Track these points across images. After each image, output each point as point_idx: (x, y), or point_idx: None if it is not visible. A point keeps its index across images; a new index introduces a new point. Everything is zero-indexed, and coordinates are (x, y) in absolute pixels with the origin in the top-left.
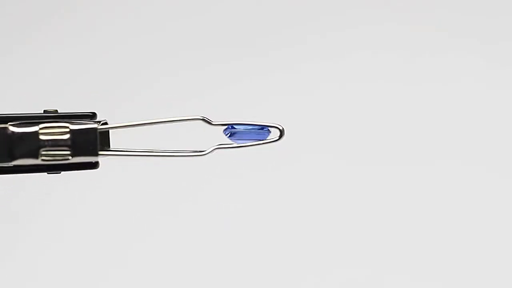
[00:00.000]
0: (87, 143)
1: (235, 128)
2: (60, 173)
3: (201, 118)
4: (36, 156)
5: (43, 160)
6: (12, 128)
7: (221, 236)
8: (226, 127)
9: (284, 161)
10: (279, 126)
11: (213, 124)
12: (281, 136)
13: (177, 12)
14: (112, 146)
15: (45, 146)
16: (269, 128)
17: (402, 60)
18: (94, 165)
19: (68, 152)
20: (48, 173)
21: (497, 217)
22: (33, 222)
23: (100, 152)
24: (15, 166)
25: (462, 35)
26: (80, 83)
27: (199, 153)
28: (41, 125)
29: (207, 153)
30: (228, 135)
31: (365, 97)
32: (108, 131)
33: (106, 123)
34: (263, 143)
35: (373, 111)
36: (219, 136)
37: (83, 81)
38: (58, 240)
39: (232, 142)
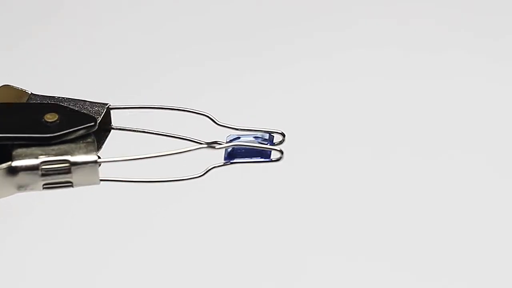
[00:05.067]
0: (88, 174)
1: (235, 149)
2: None
3: (207, 115)
4: (38, 189)
5: (44, 188)
6: (15, 164)
7: (220, 236)
8: (227, 146)
9: (283, 160)
10: (278, 149)
11: (218, 124)
12: (280, 158)
13: (172, 12)
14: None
15: (46, 179)
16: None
17: (401, 57)
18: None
19: (70, 183)
20: None
21: (499, 215)
22: (26, 220)
23: (101, 179)
24: None
25: (461, 31)
26: (78, 83)
27: (194, 176)
28: (42, 159)
29: (202, 175)
30: (228, 155)
31: (364, 94)
32: (110, 111)
33: (109, 107)
34: (259, 162)
35: (372, 109)
36: (220, 138)
37: (81, 81)
38: (52, 240)
39: (227, 161)
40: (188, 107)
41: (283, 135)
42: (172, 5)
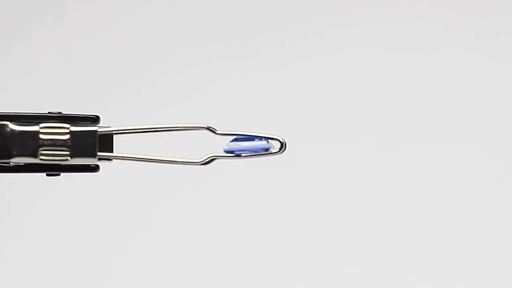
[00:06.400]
0: (87, 145)
1: (236, 143)
2: (59, 175)
3: (206, 127)
4: (35, 155)
5: (41, 159)
6: (12, 126)
7: (219, 236)
8: (228, 141)
9: (282, 159)
10: (280, 139)
11: (217, 133)
12: (282, 149)
13: (172, 12)
14: (114, 147)
15: (44, 146)
16: (271, 140)
17: (401, 57)
18: (94, 169)
19: (67, 153)
20: (47, 175)
21: (499, 214)
22: (27, 222)
23: (99, 154)
24: (14, 164)
25: (461, 31)
26: (77, 83)
27: (194, 161)
28: (42, 124)
29: (203, 163)
30: (230, 150)
31: (364, 94)
32: (112, 136)
33: (112, 132)
34: (262, 154)
35: (372, 109)
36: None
37: (79, 81)
38: (51, 241)
39: (229, 153)
40: (186, 124)
41: (284, 143)
42: (172, 5)
